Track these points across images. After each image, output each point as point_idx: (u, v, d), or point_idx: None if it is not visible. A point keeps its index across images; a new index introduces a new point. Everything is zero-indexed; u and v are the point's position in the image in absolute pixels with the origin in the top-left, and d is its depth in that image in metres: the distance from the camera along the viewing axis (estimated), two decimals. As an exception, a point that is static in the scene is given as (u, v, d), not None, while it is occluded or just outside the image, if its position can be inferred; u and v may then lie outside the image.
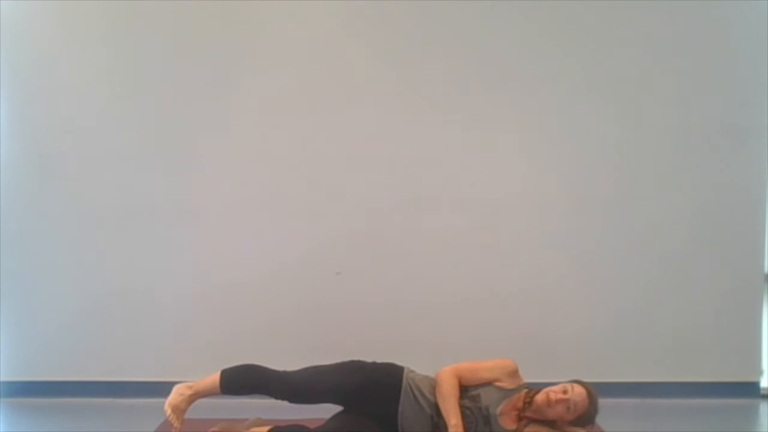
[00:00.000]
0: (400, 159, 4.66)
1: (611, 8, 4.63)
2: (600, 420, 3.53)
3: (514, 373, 3.53)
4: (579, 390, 3.39)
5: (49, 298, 4.68)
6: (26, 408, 4.57)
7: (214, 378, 3.51)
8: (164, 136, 4.66)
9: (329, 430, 3.44)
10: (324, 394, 3.51)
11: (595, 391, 3.43)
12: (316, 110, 4.65)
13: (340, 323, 4.63)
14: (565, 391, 3.38)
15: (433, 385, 3.51)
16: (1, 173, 4.65)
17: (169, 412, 3.47)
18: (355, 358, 3.60)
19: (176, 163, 4.66)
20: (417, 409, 3.48)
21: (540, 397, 3.42)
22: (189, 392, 3.50)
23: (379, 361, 3.61)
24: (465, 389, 3.50)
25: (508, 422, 3.46)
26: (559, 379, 3.49)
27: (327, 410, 3.55)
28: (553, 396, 3.38)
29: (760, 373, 4.78)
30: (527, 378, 3.57)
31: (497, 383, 3.50)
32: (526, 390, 3.51)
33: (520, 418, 3.48)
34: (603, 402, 3.46)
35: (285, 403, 3.54)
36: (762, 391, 4.77)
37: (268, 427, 3.48)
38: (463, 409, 3.43)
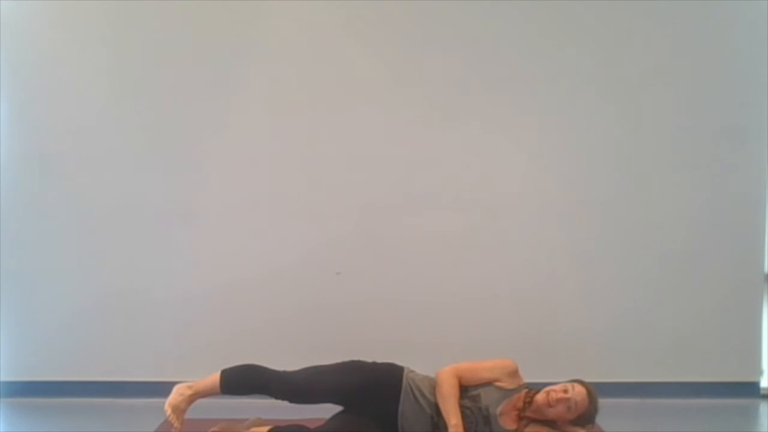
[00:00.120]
0: (400, 159, 4.66)
1: (611, 8, 4.63)
2: (600, 420, 3.53)
3: (514, 373, 3.53)
4: (579, 389, 3.39)
5: (49, 298, 4.68)
6: (26, 408, 4.57)
7: (214, 378, 3.51)
8: (164, 136, 4.66)
9: (329, 430, 3.44)
10: (324, 394, 3.51)
11: (595, 390, 3.43)
12: (317, 110, 4.65)
13: (340, 323, 4.63)
14: (565, 391, 3.38)
15: (433, 385, 3.51)
16: (1, 173, 4.65)
17: (169, 412, 3.47)
18: (355, 358, 3.61)
19: (176, 163, 4.66)
20: (417, 409, 3.48)
21: (540, 397, 3.42)
22: (189, 392, 3.50)
23: (379, 361, 3.61)
24: (465, 389, 3.50)
25: (508, 422, 3.46)
26: (559, 379, 3.49)
27: (327, 410, 3.55)
28: (553, 395, 3.38)
29: (760, 373, 4.78)
30: (527, 378, 3.57)
31: (497, 383, 3.50)
32: (526, 390, 3.51)
33: (520, 418, 3.48)
34: (603, 402, 3.46)
35: (285, 403, 3.54)
36: (762, 391, 4.77)
37: (268, 427, 3.48)
38: (463, 409, 3.44)
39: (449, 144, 4.67)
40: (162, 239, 4.67)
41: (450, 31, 4.63)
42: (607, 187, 4.70)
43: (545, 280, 4.70)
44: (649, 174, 4.70)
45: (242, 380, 3.52)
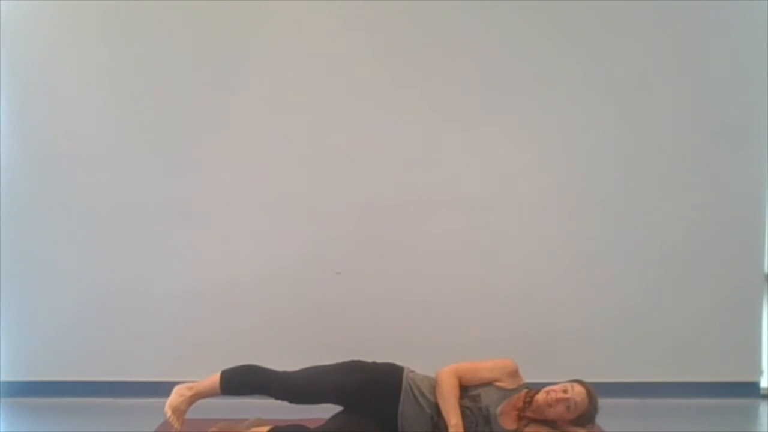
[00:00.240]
0: (400, 159, 4.66)
1: (611, 8, 4.63)
2: (600, 420, 3.53)
3: (514, 373, 3.53)
4: (579, 389, 3.39)
5: (49, 298, 4.68)
6: (26, 408, 4.57)
7: (214, 379, 3.51)
8: (164, 136, 4.66)
9: (329, 430, 3.44)
10: (324, 394, 3.51)
11: (595, 390, 3.43)
12: (316, 110, 4.65)
13: (340, 323, 4.62)
14: (565, 391, 3.38)
15: (434, 385, 3.51)
16: (1, 173, 4.65)
17: (169, 413, 3.46)
18: (355, 358, 3.60)
19: (176, 163, 4.66)
20: (417, 409, 3.48)
21: (540, 397, 3.42)
22: (189, 393, 3.50)
23: (379, 361, 3.61)
24: (465, 389, 3.50)
25: (508, 422, 3.46)
26: (559, 379, 3.49)
27: (327, 410, 3.55)
28: (553, 395, 3.38)
29: (760, 373, 4.78)
30: (527, 378, 3.57)
31: (497, 383, 3.50)
32: (526, 390, 3.51)
33: (520, 418, 3.48)
34: (603, 402, 3.46)
35: (285, 403, 3.54)
36: (762, 391, 4.77)
37: (268, 427, 3.48)
38: (463, 409, 3.44)
39: (449, 144, 4.67)
40: (162, 239, 4.67)
41: (450, 31, 4.63)
42: (607, 187, 4.70)
43: (545, 280, 4.70)
44: (649, 174, 4.70)
45: (242, 381, 3.52)
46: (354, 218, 4.68)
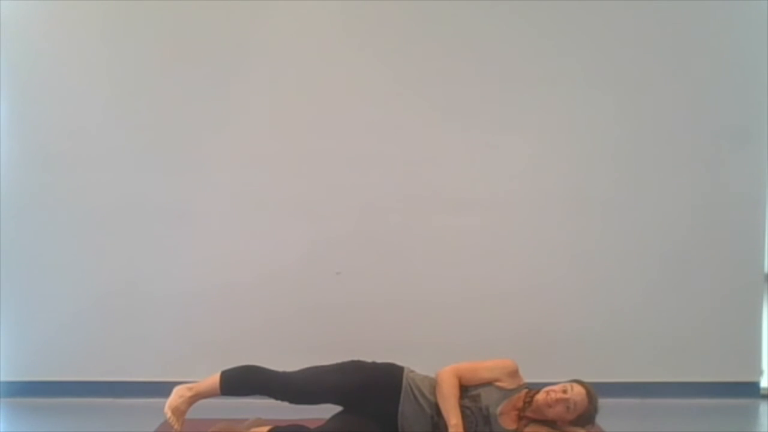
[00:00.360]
0: (400, 159, 4.66)
1: (611, 8, 4.63)
2: (600, 420, 3.53)
3: (514, 373, 3.53)
4: (579, 390, 3.39)
5: (49, 298, 4.68)
6: (26, 408, 4.57)
7: (214, 379, 3.51)
8: (164, 136, 4.66)
9: (329, 430, 3.44)
10: (324, 394, 3.51)
11: (594, 391, 3.43)
12: (316, 110, 4.65)
13: (340, 323, 4.63)
14: (564, 391, 3.38)
15: (434, 385, 3.51)
16: (1, 173, 4.65)
17: (169, 414, 3.46)
18: (355, 358, 3.60)
19: (176, 163, 4.66)
20: (417, 409, 3.48)
21: (540, 397, 3.42)
22: (189, 394, 3.49)
23: (379, 361, 3.61)
24: (465, 389, 3.50)
25: (508, 422, 3.46)
26: (559, 379, 3.49)
27: (327, 410, 3.55)
28: (553, 396, 3.38)
29: (760, 373, 4.78)
30: (527, 378, 3.57)
31: (497, 383, 3.50)
32: (526, 390, 3.51)
33: (520, 418, 3.48)
34: (603, 402, 3.46)
35: (285, 403, 3.54)
36: (762, 391, 4.77)
37: (268, 427, 3.48)
38: (463, 408, 3.43)
39: (449, 144, 4.67)
40: (162, 239, 4.67)
41: (450, 31, 4.63)
42: (607, 187, 4.70)
43: (545, 280, 4.70)
44: (649, 174, 4.70)
45: (242, 381, 3.51)
46: (354, 218, 4.68)
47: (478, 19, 4.62)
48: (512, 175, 4.69)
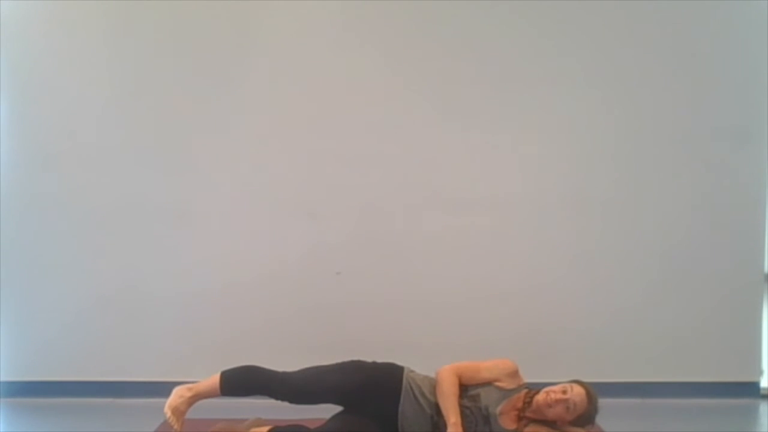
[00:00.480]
0: (400, 159, 4.66)
1: (611, 8, 4.63)
2: (600, 420, 3.53)
3: (514, 373, 3.53)
4: (578, 390, 3.39)
5: (49, 299, 4.68)
6: (26, 408, 4.57)
7: (214, 379, 3.51)
8: (164, 136, 4.65)
9: (329, 430, 3.44)
10: (324, 394, 3.51)
11: (594, 391, 3.43)
12: (316, 110, 4.65)
13: (340, 323, 4.63)
14: (564, 391, 3.38)
15: (434, 384, 3.51)
16: (1, 173, 4.64)
17: (168, 414, 3.46)
18: (355, 358, 3.60)
19: (176, 163, 4.66)
20: (417, 409, 3.48)
21: (540, 397, 3.42)
22: (189, 394, 3.50)
23: (379, 361, 3.61)
24: (465, 389, 3.50)
25: (507, 422, 3.46)
26: (559, 379, 3.49)
27: (327, 410, 3.55)
28: (552, 396, 3.38)
29: (760, 373, 4.78)
30: (527, 378, 3.57)
31: (497, 383, 3.50)
32: (525, 390, 3.51)
33: (519, 418, 3.48)
34: (603, 402, 3.46)
35: (285, 403, 3.54)
36: (762, 391, 4.77)
37: (268, 427, 3.48)
38: (462, 408, 3.43)
39: (449, 144, 4.67)
40: (162, 239, 4.67)
41: (450, 31, 4.63)
42: (607, 188, 4.70)
43: (545, 280, 4.70)
44: (649, 174, 4.70)
45: (242, 381, 3.52)
46: (354, 218, 4.68)
47: (478, 19, 4.62)
48: (512, 175, 4.69)
